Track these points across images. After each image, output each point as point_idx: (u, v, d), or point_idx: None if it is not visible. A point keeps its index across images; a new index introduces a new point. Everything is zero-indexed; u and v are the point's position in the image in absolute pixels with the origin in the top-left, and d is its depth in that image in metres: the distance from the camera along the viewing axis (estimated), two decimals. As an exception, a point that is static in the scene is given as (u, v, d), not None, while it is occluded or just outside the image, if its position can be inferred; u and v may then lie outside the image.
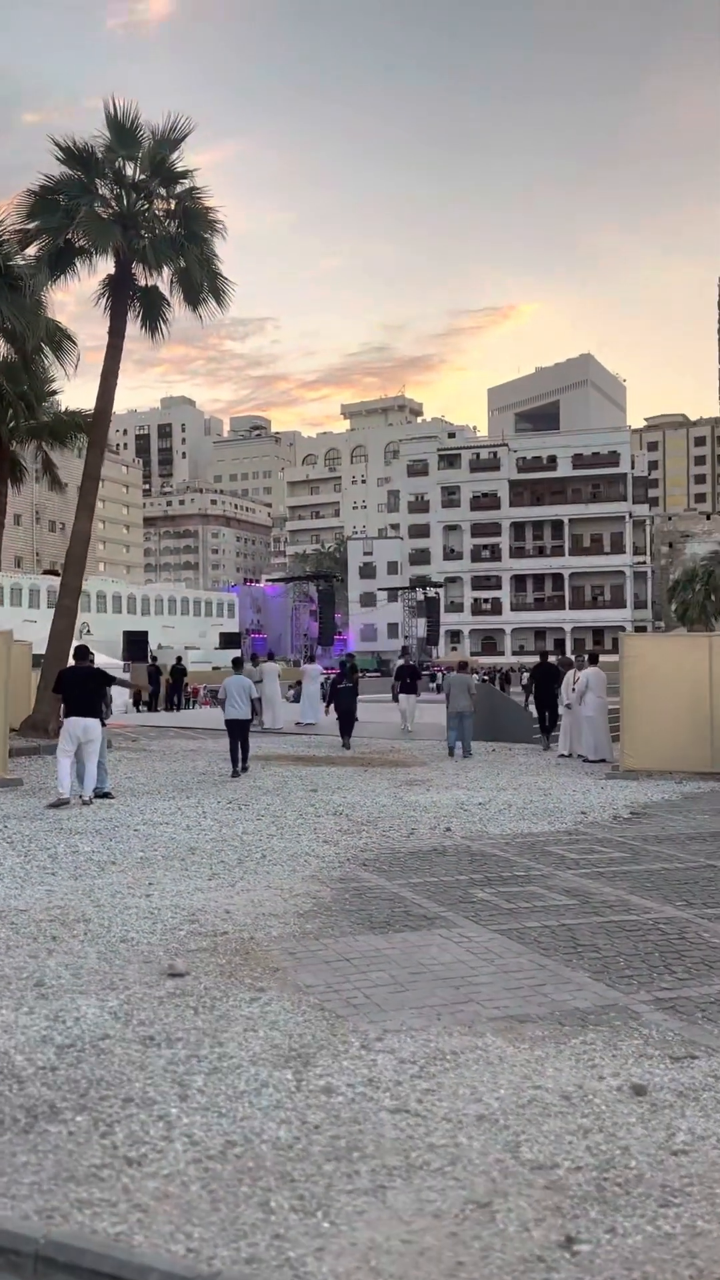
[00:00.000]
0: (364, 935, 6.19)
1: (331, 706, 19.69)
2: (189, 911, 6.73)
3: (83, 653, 12.53)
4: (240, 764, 14.71)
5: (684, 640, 16.19)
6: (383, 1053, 4.32)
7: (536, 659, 20.48)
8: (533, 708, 19.39)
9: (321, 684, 26.93)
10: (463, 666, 19.28)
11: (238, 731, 14.64)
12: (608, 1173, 3.30)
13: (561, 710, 17.99)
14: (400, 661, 25.33)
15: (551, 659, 19.40)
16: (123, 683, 15.55)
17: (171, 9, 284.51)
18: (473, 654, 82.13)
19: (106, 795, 12.12)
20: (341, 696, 18.81)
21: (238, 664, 16.80)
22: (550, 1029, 4.62)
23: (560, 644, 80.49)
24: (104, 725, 12.66)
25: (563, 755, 17.36)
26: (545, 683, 18.33)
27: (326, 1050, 4.35)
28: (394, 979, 5.34)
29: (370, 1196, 3.16)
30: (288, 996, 5.05)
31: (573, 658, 19.71)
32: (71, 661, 13.50)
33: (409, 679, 22.60)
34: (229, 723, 14.70)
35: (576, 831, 9.95)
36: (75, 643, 15.81)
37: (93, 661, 12.70)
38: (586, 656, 18.08)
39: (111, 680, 12.71)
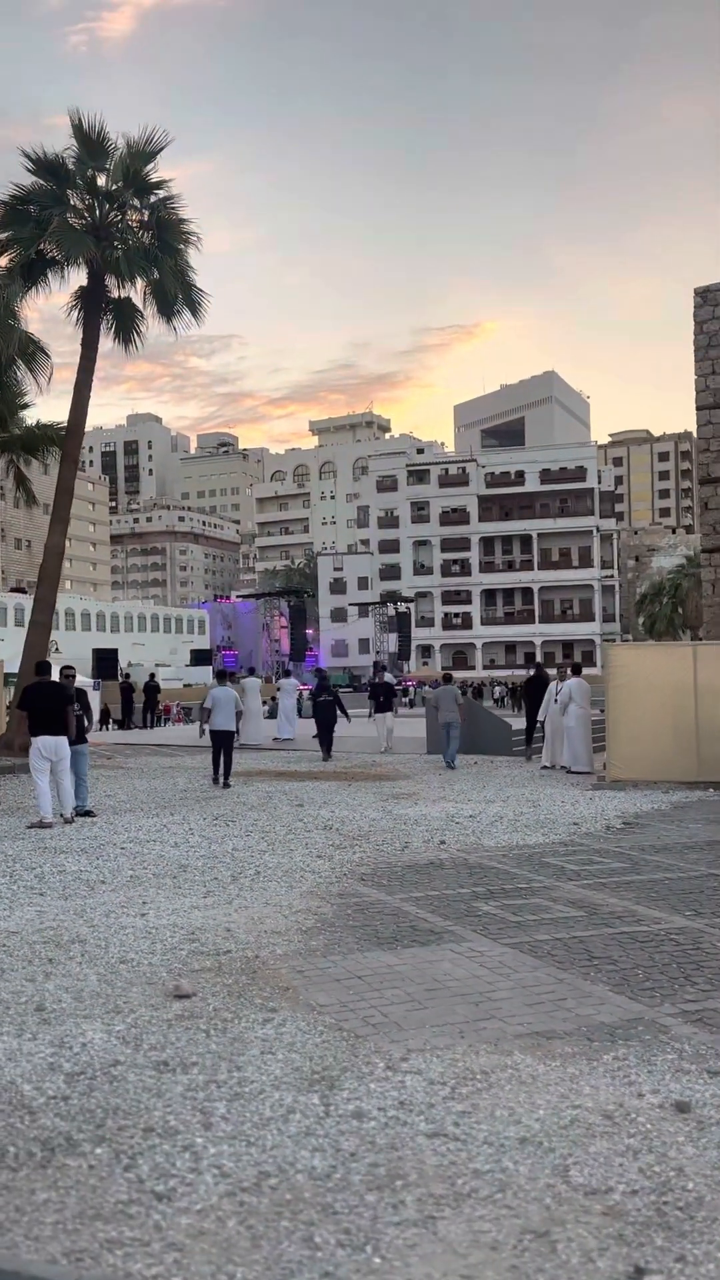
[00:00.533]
0: (373, 951, 6.00)
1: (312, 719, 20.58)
2: (188, 930, 6.51)
3: (44, 668, 12.05)
4: (224, 777, 14.81)
5: (668, 649, 16.18)
6: (410, 1074, 4.14)
7: (526, 672, 21.26)
8: (522, 719, 19.84)
9: (298, 699, 26.77)
10: (448, 679, 19.52)
11: (223, 742, 14.77)
12: (666, 1196, 3.14)
13: (541, 721, 17.97)
14: (375, 678, 23.53)
15: (551, 671, 19.60)
16: (82, 708, 12.70)
17: (134, 26, 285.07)
18: (444, 669, 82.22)
19: (88, 813, 11.82)
20: (321, 710, 19.24)
21: (222, 676, 16.71)
22: (579, 1045, 4.45)
23: (530, 657, 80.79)
24: (85, 741, 12.40)
25: (545, 767, 17.26)
26: (539, 694, 18.30)
27: (351, 1072, 4.16)
28: (410, 996, 5.16)
29: (420, 1228, 2.98)
30: (302, 1016, 4.85)
31: (553, 670, 19.57)
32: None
33: (383, 697, 21.26)
34: (214, 733, 14.81)
35: (572, 842, 9.82)
36: (49, 660, 15.42)
37: (71, 678, 12.41)
38: (569, 668, 17.99)
39: (71, 700, 11.80)
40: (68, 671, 12.65)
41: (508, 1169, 3.33)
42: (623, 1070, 4.15)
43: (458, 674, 76.14)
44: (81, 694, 12.76)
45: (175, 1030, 4.67)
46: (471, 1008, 4.97)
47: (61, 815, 11.30)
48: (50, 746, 11.18)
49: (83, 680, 34.39)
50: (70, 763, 11.79)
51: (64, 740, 11.29)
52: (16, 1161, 3.41)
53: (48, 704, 11.32)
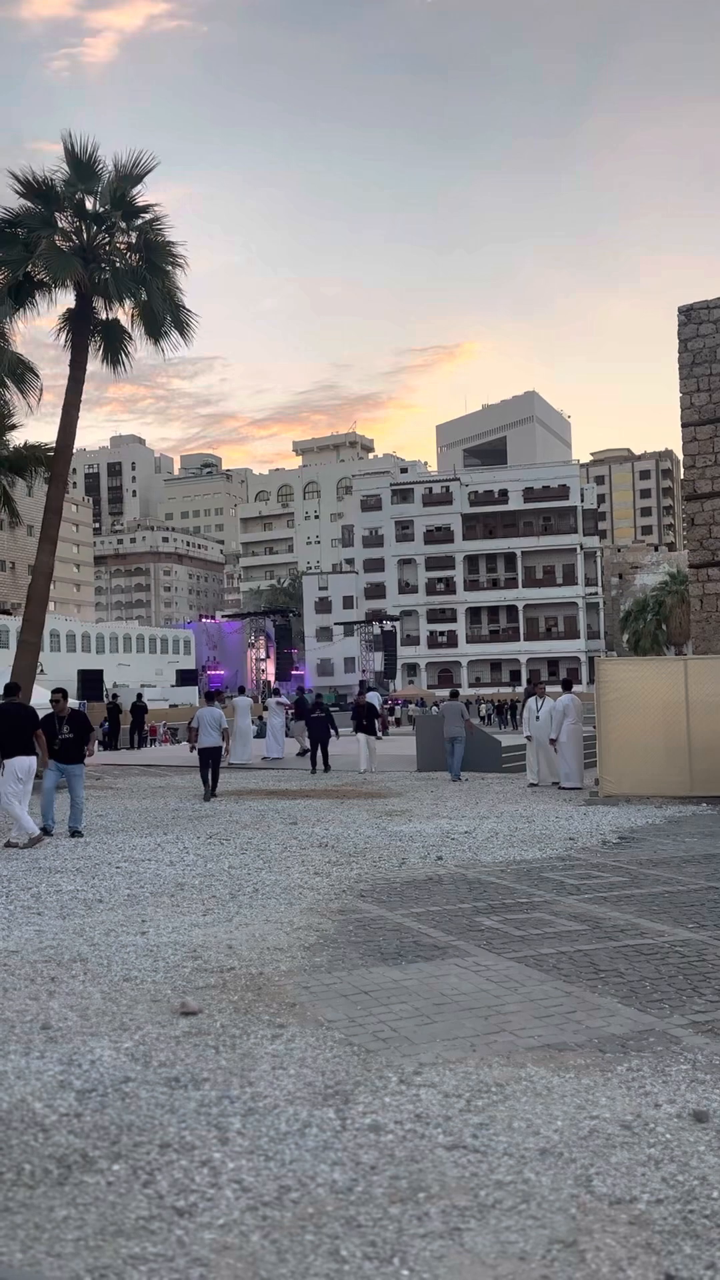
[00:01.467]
0: (377, 967, 5.97)
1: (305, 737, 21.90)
2: (190, 948, 6.46)
3: (12, 689, 12.04)
4: (210, 789, 15.83)
5: (659, 664, 16.25)
6: (424, 1087, 4.12)
7: (513, 689, 21.73)
8: (511, 735, 20.09)
9: (287, 718, 26.73)
10: (454, 695, 20.22)
11: (208, 758, 15.78)
12: (691, 1205, 3.13)
13: (525, 739, 18.04)
14: (359, 697, 23.56)
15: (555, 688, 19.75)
16: (78, 730, 12.46)
17: (116, 52, 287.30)
18: (429, 687, 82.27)
19: (77, 833, 11.77)
20: (315, 725, 20.05)
21: (210, 697, 18.13)
22: (592, 1057, 4.44)
23: (516, 675, 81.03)
24: (82, 762, 12.37)
25: (531, 784, 17.24)
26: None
27: (364, 1086, 4.13)
28: (418, 1011, 5.13)
29: (446, 1240, 2.96)
30: (310, 1032, 4.82)
31: (532, 686, 19.58)
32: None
33: (365, 719, 20.82)
34: (200, 750, 15.84)
35: (569, 857, 9.81)
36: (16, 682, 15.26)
37: (58, 702, 12.32)
38: (561, 684, 18.03)
39: (37, 723, 11.61)
40: (55, 696, 12.52)
41: (530, 1180, 3.31)
42: (637, 1081, 4.14)
43: (443, 692, 76.26)
44: (82, 715, 12.72)
45: (184, 1047, 4.64)
46: (481, 1021, 4.95)
47: (48, 831, 11.34)
48: (25, 767, 11.14)
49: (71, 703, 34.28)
50: (69, 783, 12.03)
51: (34, 760, 11.31)
52: (33, 1179, 3.37)
53: (16, 726, 11.23)
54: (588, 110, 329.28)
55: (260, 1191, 3.27)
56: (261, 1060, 4.45)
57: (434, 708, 43.43)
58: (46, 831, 11.61)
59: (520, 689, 65.53)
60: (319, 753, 20.79)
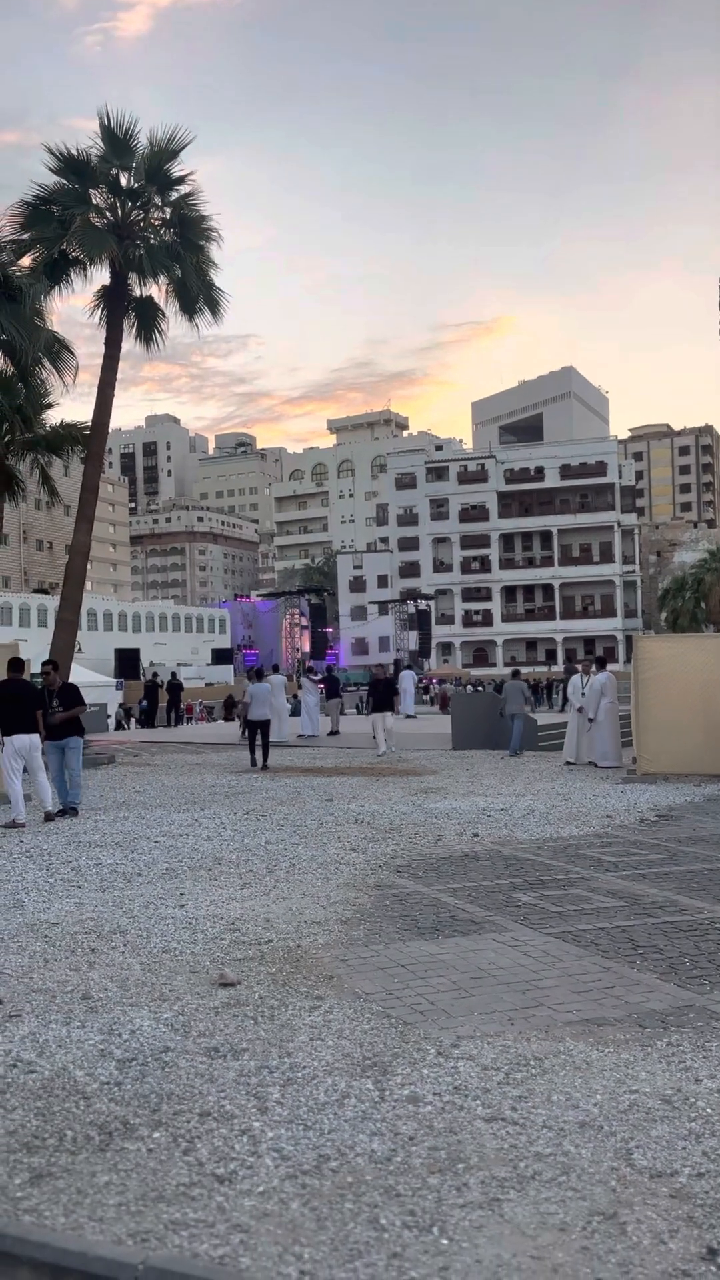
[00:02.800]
0: (414, 941, 5.98)
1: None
2: (228, 921, 6.51)
3: (16, 665, 11.68)
4: (262, 760, 17.00)
5: (698, 641, 16.07)
6: (462, 1059, 4.11)
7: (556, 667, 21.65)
8: (548, 714, 20.17)
9: (321, 696, 26.79)
10: (516, 675, 20.74)
11: (258, 729, 17.07)
12: (733, 1179, 3.10)
13: (570, 715, 17.97)
14: (381, 672, 21.48)
15: (576, 667, 19.83)
16: (66, 703, 12.20)
17: (149, 25, 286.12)
18: (464, 666, 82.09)
19: (71, 810, 11.57)
20: (377, 698, 20.78)
21: (258, 674, 19.10)
22: (631, 1032, 4.41)
23: (551, 654, 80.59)
24: (79, 735, 12.28)
25: (569, 761, 17.15)
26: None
27: (402, 1058, 4.14)
28: (455, 984, 5.13)
29: (485, 1210, 2.95)
30: (348, 1004, 4.83)
31: (578, 665, 19.51)
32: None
33: (382, 695, 19.70)
34: (251, 723, 17.32)
35: (606, 835, 9.75)
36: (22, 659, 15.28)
37: (48, 674, 12.26)
38: (594, 662, 17.90)
39: (39, 701, 11.61)
40: (46, 669, 12.47)
41: (570, 1152, 3.30)
42: (677, 1056, 4.11)
43: (478, 671, 76.07)
44: (73, 689, 12.51)
45: (223, 1017, 4.67)
46: (519, 995, 4.94)
47: (46, 811, 11.20)
48: (25, 745, 11.06)
49: (101, 678, 34.55)
50: (65, 757, 11.81)
51: (34, 738, 11.19)
52: (75, 1145, 3.41)
53: (15, 703, 11.11)
54: (627, 79, 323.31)
55: (299, 1160, 3.28)
56: (300, 1031, 4.47)
57: (469, 687, 43.38)
58: (21, 823, 10.92)
59: (557, 668, 65.17)
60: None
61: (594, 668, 17.41)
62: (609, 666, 18.17)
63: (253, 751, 17.17)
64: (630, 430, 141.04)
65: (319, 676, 30.21)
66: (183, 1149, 3.37)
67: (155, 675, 39.27)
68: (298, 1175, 3.18)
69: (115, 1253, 2.77)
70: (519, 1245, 2.77)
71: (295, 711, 27.19)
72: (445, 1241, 2.79)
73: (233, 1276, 2.65)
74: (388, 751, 19.10)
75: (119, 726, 34.38)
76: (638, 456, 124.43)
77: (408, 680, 32.27)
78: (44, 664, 12.90)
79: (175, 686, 34.84)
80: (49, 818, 11.15)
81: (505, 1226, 2.86)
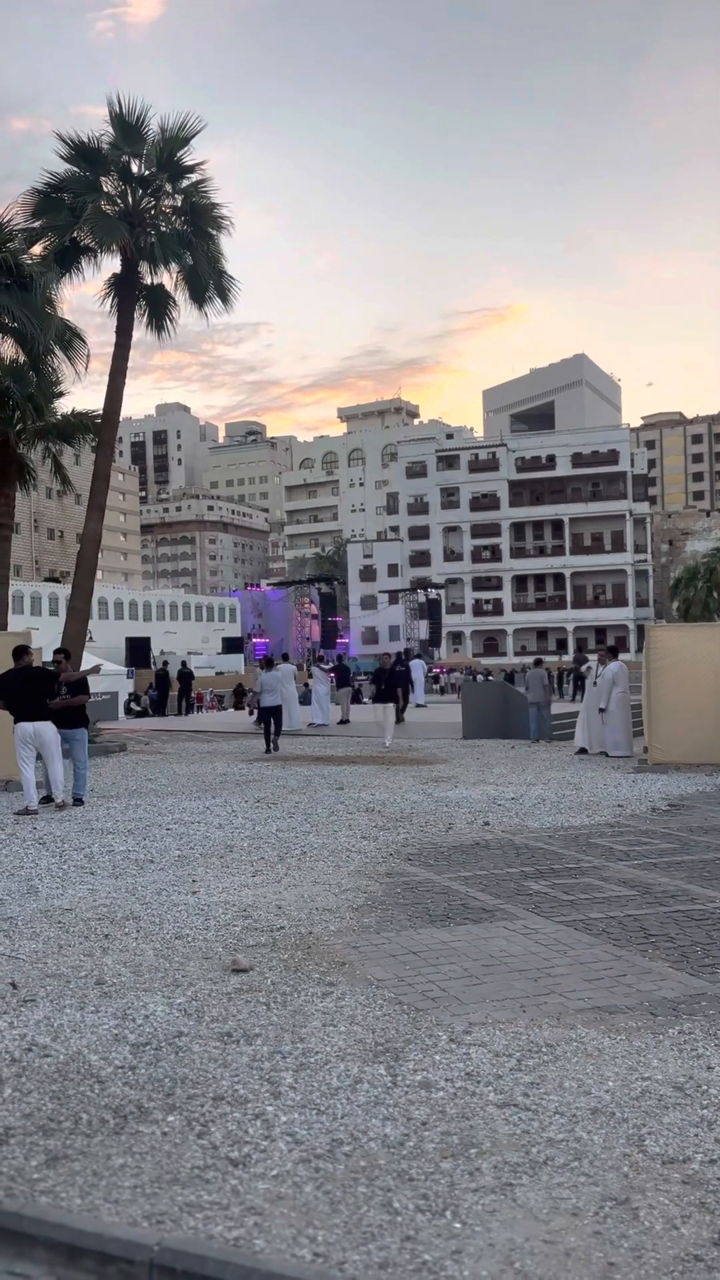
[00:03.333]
0: (425, 928, 5.99)
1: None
2: (240, 907, 6.54)
3: (22, 651, 11.57)
4: (272, 742, 17.89)
5: (710, 630, 16.01)
6: (474, 1046, 4.13)
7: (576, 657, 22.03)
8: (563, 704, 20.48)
9: (331, 685, 26.80)
10: (538, 663, 21.47)
11: (270, 715, 18.08)
12: (746, 1166, 3.10)
13: (582, 703, 18.02)
14: (388, 659, 20.61)
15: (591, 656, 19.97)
16: (69, 678, 12.55)
17: (160, 11, 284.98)
18: (475, 655, 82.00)
19: (78, 801, 11.55)
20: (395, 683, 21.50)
21: (269, 663, 19.69)
22: (643, 1019, 4.42)
23: (562, 643, 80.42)
24: (84, 726, 12.32)
25: (581, 749, 17.14)
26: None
27: (414, 1044, 4.16)
28: (467, 972, 5.15)
29: (498, 1195, 2.97)
30: (360, 990, 4.86)
31: (590, 655, 19.54)
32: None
33: (385, 684, 18.92)
34: (264, 710, 18.30)
35: (618, 824, 9.75)
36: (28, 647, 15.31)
37: (59, 662, 12.29)
38: (607, 651, 17.86)
39: (55, 678, 11.82)
40: (58, 657, 12.52)
41: (582, 1138, 3.31)
42: (689, 1044, 4.12)
43: (488, 660, 75.97)
44: (83, 682, 12.57)
45: (236, 1003, 4.69)
46: (530, 983, 4.95)
47: (53, 800, 11.14)
48: (31, 732, 10.98)
49: (113, 667, 34.66)
50: (70, 748, 11.81)
51: (45, 726, 11.13)
52: (90, 1128, 3.44)
53: (24, 690, 11.04)
54: (640, 65, 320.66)
55: (313, 1144, 3.30)
56: (312, 1017, 4.49)
57: (479, 677, 43.39)
58: (34, 810, 11.01)
59: (568, 658, 65.01)
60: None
61: (606, 657, 17.39)
62: (620, 656, 18.13)
63: (267, 737, 18.03)
64: (643, 418, 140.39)
65: (329, 665, 30.23)
66: (197, 1132, 3.40)
67: (165, 664, 39.36)
68: (311, 1159, 3.20)
69: (131, 1234, 2.80)
70: (532, 1229, 2.78)
71: (305, 700, 27.24)
72: (458, 1225, 2.81)
73: (247, 1258, 2.67)
74: (391, 746, 18.39)
75: (144, 713, 34.44)
76: (650, 445, 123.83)
77: (418, 670, 32.24)
78: (55, 652, 12.94)
79: (186, 675, 34.91)
80: (58, 807, 11.15)
81: (518, 1211, 2.88)
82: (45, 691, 11.32)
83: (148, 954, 5.53)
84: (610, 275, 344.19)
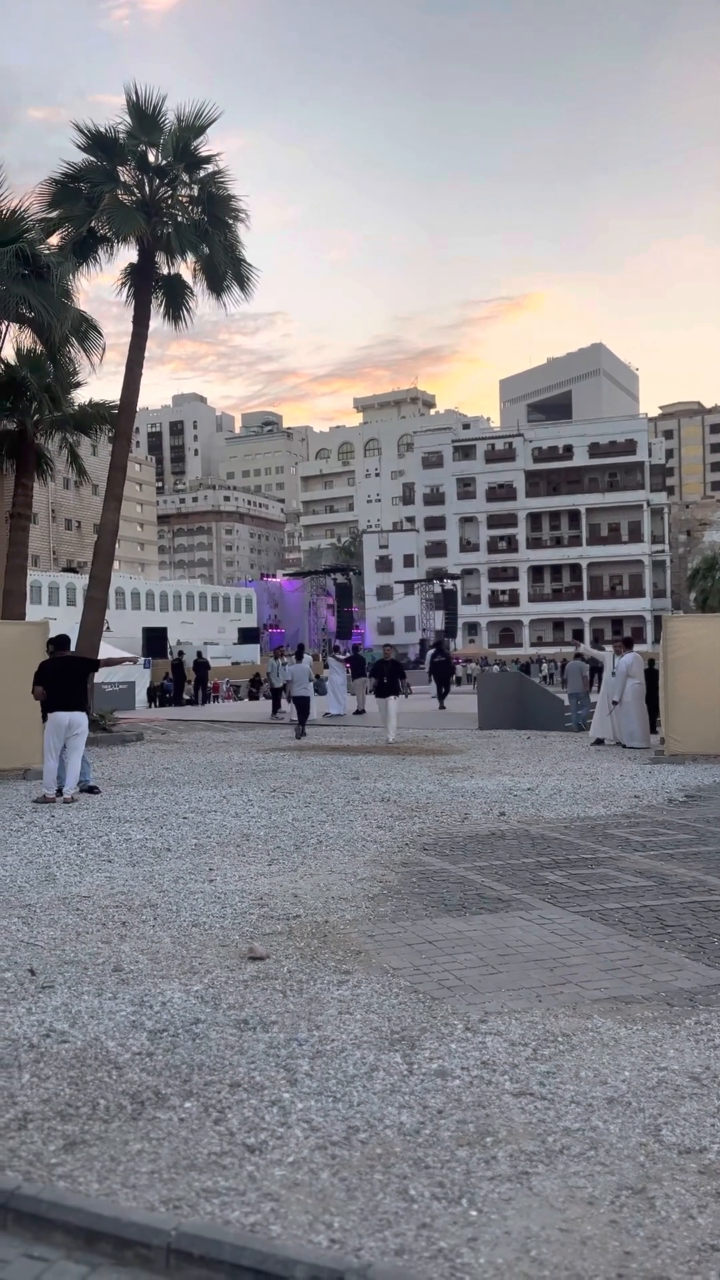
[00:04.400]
0: (441, 918, 6.00)
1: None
2: (256, 896, 6.56)
3: (62, 643, 11.66)
4: (300, 729, 19.21)
5: (726, 621, 15.88)
6: (490, 1035, 4.13)
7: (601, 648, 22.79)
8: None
9: (347, 676, 26.83)
10: (578, 656, 22.42)
11: (301, 704, 19.70)
12: (763, 1156, 3.09)
13: (600, 695, 17.96)
14: (390, 652, 19.91)
15: (606, 648, 20.10)
16: (109, 662, 14.13)
17: None
18: (490, 646, 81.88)
19: (92, 789, 11.57)
20: (439, 669, 24.85)
21: (299, 654, 21.13)
22: (659, 1010, 4.41)
23: (579, 634, 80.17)
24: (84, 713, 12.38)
25: (597, 740, 17.10)
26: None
27: (430, 1033, 4.16)
28: (483, 961, 5.15)
29: (514, 1183, 2.97)
30: (376, 979, 4.86)
31: (607, 647, 19.42)
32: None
33: (386, 677, 18.04)
34: (294, 699, 19.98)
35: (634, 815, 9.72)
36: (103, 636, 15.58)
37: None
38: (622, 642, 17.78)
39: (97, 664, 12.64)
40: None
41: (598, 1128, 3.31)
42: (706, 1035, 4.11)
43: (504, 651, 75.83)
44: (95, 662, 12.79)
45: (252, 990, 4.71)
46: (546, 973, 4.95)
47: (63, 794, 10.97)
48: (66, 721, 11.04)
49: (121, 653, 34.92)
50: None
51: (82, 715, 11.21)
52: (108, 1114, 3.46)
53: (63, 680, 11.14)
54: (658, 52, 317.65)
55: (329, 1131, 3.31)
56: (328, 1005, 4.50)
57: (495, 667, 43.26)
58: (51, 798, 11.05)
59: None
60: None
61: (621, 648, 17.31)
62: (635, 647, 18.05)
63: (302, 720, 19.64)
64: (660, 408, 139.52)
65: (345, 656, 30.25)
66: (214, 1119, 3.41)
67: (181, 654, 39.49)
68: (327, 1146, 3.21)
69: (148, 1219, 2.82)
70: (547, 1218, 2.78)
71: (320, 690, 27.30)
72: (474, 1213, 2.81)
73: (264, 1243, 2.69)
74: (396, 740, 17.66)
75: (170, 702, 34.58)
76: (668, 434, 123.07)
77: (429, 661, 32.27)
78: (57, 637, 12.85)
79: (201, 665, 35.00)
80: (68, 800, 10.91)
81: (534, 1199, 2.88)
82: (81, 681, 11.42)
83: (165, 941, 5.56)
84: (629, 263, 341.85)
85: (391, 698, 17.79)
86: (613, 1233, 2.71)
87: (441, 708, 26.47)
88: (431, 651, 31.40)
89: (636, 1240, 2.67)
